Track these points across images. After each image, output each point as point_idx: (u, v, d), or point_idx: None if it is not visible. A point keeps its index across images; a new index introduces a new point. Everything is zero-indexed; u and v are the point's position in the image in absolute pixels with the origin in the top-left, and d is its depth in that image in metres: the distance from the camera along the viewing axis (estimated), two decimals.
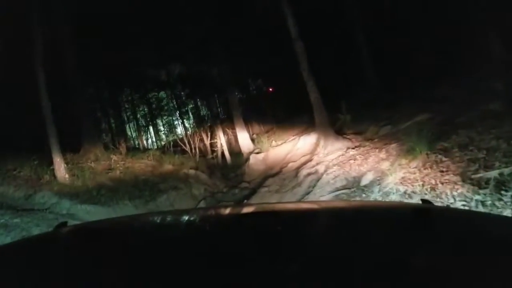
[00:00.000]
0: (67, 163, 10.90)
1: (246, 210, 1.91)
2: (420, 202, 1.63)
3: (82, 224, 2.63)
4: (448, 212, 1.72)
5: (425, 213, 1.34)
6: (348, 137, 9.47)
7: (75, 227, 1.65)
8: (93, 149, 12.79)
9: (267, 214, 1.48)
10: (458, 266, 0.81)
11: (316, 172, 8.26)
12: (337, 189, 7.02)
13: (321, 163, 8.48)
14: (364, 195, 6.36)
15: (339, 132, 9.78)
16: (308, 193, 7.61)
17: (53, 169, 10.06)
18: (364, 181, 6.82)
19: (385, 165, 6.89)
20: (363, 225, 1.22)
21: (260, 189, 9.82)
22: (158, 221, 1.59)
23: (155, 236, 1.29)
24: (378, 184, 6.20)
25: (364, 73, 13.20)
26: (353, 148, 8.50)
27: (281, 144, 13.80)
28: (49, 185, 9.78)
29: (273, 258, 0.91)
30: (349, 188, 6.86)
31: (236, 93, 17.03)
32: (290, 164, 10.62)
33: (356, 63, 13.43)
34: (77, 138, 12.96)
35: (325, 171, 7.97)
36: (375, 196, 5.86)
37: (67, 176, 10.06)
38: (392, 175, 6.07)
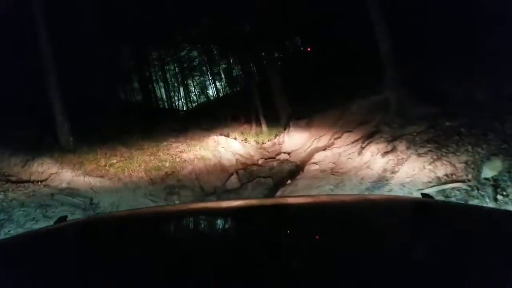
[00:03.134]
0: (76, 123, 8.65)
1: (248, 204, 1.64)
2: (420, 196, 1.50)
3: (82, 219, 2.18)
4: (448, 206, 1.54)
5: (425, 207, 1.26)
6: (434, 100, 6.52)
7: (74, 222, 1.51)
8: (111, 108, 10.50)
9: (270, 209, 1.41)
10: (458, 260, 0.76)
11: (394, 150, 5.50)
12: (440, 182, 4.29)
13: (401, 138, 5.69)
14: (500, 196, 3.62)
15: (419, 93, 6.78)
16: (384, 181, 4.93)
17: (55, 130, 7.83)
18: (489, 171, 4.04)
19: None
20: (363, 219, 1.17)
21: (308, 166, 7.20)
22: (161, 216, 1.45)
23: (157, 232, 1.21)
24: None
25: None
26: (450, 117, 5.61)
27: (327, 108, 10.96)
28: (50, 150, 7.59)
29: (278, 254, 0.86)
30: (462, 181, 4.11)
31: (274, 50, 14.04)
32: (346, 135, 7.88)
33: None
34: (94, 95, 10.65)
35: (411, 149, 5.20)
36: None
37: (71, 139, 7.80)
38: None
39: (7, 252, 1.01)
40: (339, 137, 7.98)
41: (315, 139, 9.31)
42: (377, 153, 5.73)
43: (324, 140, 8.71)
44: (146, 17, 14.60)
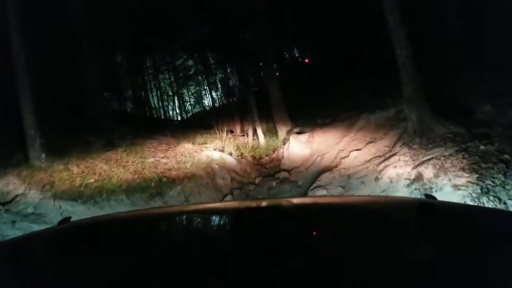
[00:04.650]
0: (54, 136, 7.62)
1: (245, 206, 1.65)
2: (424, 197, 1.45)
3: (86, 219, 1.82)
4: (452, 207, 1.47)
5: (429, 208, 1.24)
6: (459, 117, 5.56)
7: (78, 223, 1.48)
8: (95, 119, 9.45)
9: (269, 210, 1.39)
10: (462, 261, 0.74)
11: (420, 177, 4.49)
12: None
13: (426, 163, 4.67)
14: None
15: (440, 108, 5.80)
16: None
17: (26, 145, 6.78)
18: None
19: None
20: (367, 220, 1.14)
21: (313, 190, 6.19)
22: (167, 216, 1.43)
23: (163, 232, 1.22)
24: None
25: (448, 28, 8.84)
26: (483, 139, 4.63)
27: (330, 122, 10.02)
28: (18, 168, 6.53)
29: (277, 255, 0.82)
30: None
31: (273, 59, 13.08)
32: (354, 154, 6.89)
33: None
34: (75, 105, 9.59)
35: (443, 179, 4.20)
36: None
37: (44, 155, 6.75)
38: None
39: (11, 252, 0.99)
40: (346, 157, 6.99)
41: (318, 157, 8.31)
42: (398, 180, 4.73)
43: (328, 159, 7.71)
44: (141, 24, 13.67)
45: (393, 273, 0.70)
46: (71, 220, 1.34)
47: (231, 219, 1.29)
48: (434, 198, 1.39)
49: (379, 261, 0.75)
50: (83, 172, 6.86)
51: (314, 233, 1.03)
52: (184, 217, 1.39)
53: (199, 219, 1.35)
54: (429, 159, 4.68)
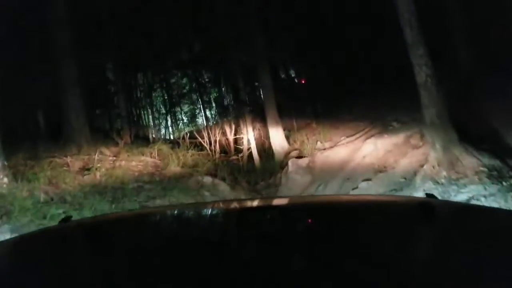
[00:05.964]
0: (22, 157, 6.64)
1: (247, 205, 1.62)
2: (425, 196, 1.43)
3: (87, 218, 2.04)
4: (451, 206, 1.51)
5: (429, 207, 1.20)
6: (491, 146, 4.73)
7: (79, 222, 1.50)
8: (76, 138, 8.49)
9: (273, 209, 1.37)
10: (462, 260, 0.73)
11: None
12: None
13: None
14: None
15: (470, 136, 4.97)
16: None
17: None
18: None
19: None
20: (367, 219, 1.12)
21: None
22: (168, 215, 1.42)
23: (160, 231, 1.19)
24: None
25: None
26: None
27: (331, 147, 9.20)
28: None
29: (280, 253, 0.81)
30: None
31: (270, 76, 12.29)
32: (364, 186, 6.00)
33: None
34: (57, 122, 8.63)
35: None
36: None
37: (6, 180, 5.73)
38: None
39: (11, 251, 0.98)
40: (354, 188, 6.08)
41: (320, 186, 7.39)
42: None
43: (332, 189, 6.80)
44: (133, 41, 12.89)
45: (392, 271, 0.68)
46: (72, 219, 1.33)
47: (236, 217, 1.26)
48: (435, 197, 1.36)
49: (380, 260, 0.73)
50: (51, 200, 5.84)
51: (315, 230, 1.01)
52: (185, 216, 1.36)
53: (199, 218, 1.33)
54: (466, 200, 3.80)
